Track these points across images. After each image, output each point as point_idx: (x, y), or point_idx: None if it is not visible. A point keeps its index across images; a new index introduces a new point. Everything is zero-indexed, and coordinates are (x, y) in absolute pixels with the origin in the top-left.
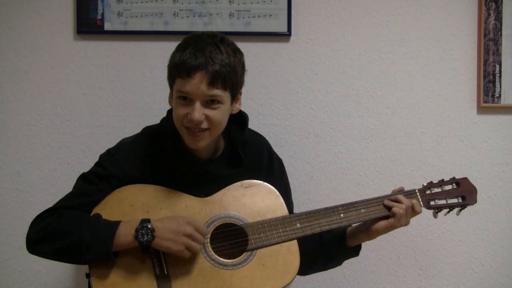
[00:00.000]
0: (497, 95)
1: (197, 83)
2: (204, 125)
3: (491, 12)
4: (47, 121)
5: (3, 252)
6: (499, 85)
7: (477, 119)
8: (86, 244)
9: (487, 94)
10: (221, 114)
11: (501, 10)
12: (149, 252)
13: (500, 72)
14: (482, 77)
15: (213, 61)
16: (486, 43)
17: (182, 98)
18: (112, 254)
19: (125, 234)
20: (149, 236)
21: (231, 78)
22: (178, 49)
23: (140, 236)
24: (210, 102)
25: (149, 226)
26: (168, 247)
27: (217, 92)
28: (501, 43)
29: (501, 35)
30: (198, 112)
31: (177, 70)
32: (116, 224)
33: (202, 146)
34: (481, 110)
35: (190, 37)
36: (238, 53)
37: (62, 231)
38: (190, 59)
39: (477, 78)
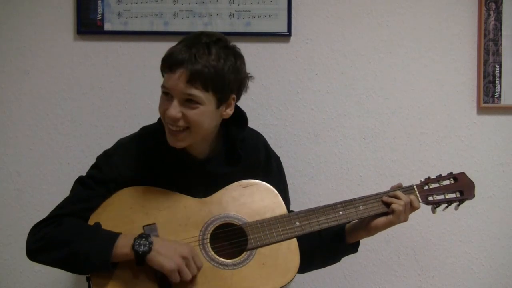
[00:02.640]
0: (497, 96)
1: (176, 79)
2: (181, 123)
3: (491, 12)
4: (47, 121)
5: (3, 252)
6: (499, 85)
7: (477, 119)
8: (85, 255)
9: (487, 95)
10: (199, 115)
11: (501, 10)
12: (143, 266)
13: (500, 72)
14: (482, 77)
15: (196, 59)
16: (486, 43)
17: (165, 94)
18: (110, 265)
19: (123, 246)
20: (146, 247)
21: (214, 81)
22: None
23: (137, 246)
24: (189, 101)
25: (149, 238)
26: (162, 263)
27: (195, 92)
28: (501, 44)
29: (501, 35)
30: (174, 109)
31: (163, 63)
32: (116, 235)
33: (181, 146)
34: (481, 110)
35: (189, 35)
36: (232, 57)
37: (61, 241)
38: (176, 53)
39: (477, 79)
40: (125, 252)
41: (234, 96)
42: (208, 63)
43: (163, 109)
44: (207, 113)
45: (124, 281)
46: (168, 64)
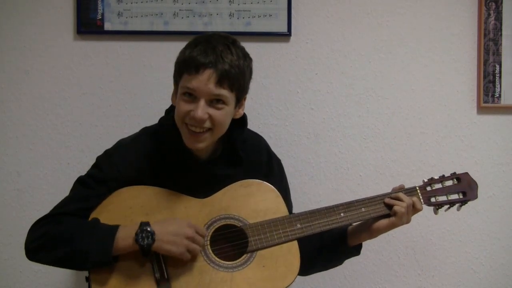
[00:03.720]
0: (497, 95)
1: (205, 80)
2: (207, 124)
3: (491, 12)
4: (47, 121)
5: (3, 252)
6: (499, 85)
7: (477, 119)
8: (85, 250)
9: (487, 94)
10: (224, 116)
11: (501, 10)
12: (149, 256)
13: (500, 72)
14: (482, 77)
15: (223, 60)
16: (486, 43)
17: (187, 95)
18: (112, 259)
19: (124, 238)
20: (150, 239)
21: (239, 80)
22: (188, 46)
23: (141, 240)
24: (215, 102)
25: (149, 229)
26: (169, 250)
27: (224, 92)
28: (501, 43)
29: (501, 35)
30: (202, 110)
31: (186, 66)
32: (115, 228)
33: (201, 147)
34: (481, 110)
35: (201, 36)
36: (247, 58)
37: (60, 239)
38: (200, 55)
39: (477, 78)
40: (127, 243)
41: (245, 96)
42: (233, 63)
43: (186, 110)
44: (229, 113)
45: (123, 279)
46: (195, 66)
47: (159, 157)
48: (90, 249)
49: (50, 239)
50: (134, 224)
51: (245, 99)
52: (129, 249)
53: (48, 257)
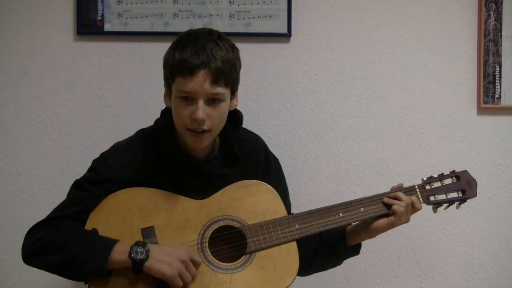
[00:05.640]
0: (497, 96)
1: (201, 81)
2: (208, 122)
3: (491, 12)
4: (47, 122)
5: (3, 252)
6: (499, 86)
7: (477, 120)
8: (81, 260)
9: (487, 95)
10: (222, 113)
11: (501, 10)
12: (140, 273)
13: (500, 73)
14: (482, 78)
15: (215, 58)
16: (486, 44)
17: (183, 98)
18: (106, 272)
19: (119, 252)
20: (144, 255)
21: (232, 74)
22: (175, 47)
23: (134, 254)
24: (212, 101)
25: (146, 246)
26: (162, 270)
27: (220, 90)
28: (501, 44)
29: (501, 36)
30: (202, 110)
31: (179, 69)
32: (113, 242)
33: (204, 145)
34: (481, 111)
35: (186, 35)
36: (235, 49)
37: (57, 245)
38: (192, 57)
39: (477, 79)
40: (121, 259)
41: (238, 86)
42: (224, 58)
43: (187, 113)
44: (226, 109)
45: (122, 280)
46: (188, 68)
47: (156, 158)
48: (86, 261)
49: (46, 244)
50: (131, 241)
51: (237, 89)
52: (123, 264)
53: (43, 262)
